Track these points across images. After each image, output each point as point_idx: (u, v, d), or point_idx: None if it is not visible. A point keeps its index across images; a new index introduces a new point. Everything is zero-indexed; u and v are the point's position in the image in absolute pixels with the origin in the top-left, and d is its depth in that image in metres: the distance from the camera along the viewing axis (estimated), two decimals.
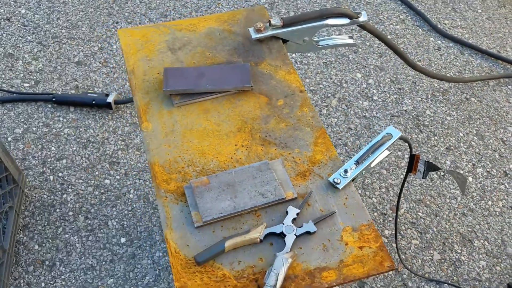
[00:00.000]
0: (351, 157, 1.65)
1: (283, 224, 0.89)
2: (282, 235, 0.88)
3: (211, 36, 1.24)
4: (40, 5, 2.22)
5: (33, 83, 1.92)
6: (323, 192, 0.95)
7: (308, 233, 0.89)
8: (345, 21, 1.26)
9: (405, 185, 1.64)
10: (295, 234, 0.88)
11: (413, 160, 1.14)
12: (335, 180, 0.95)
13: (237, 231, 0.90)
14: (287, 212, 0.91)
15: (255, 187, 0.94)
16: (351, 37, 1.37)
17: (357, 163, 0.98)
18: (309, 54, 2.08)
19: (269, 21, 1.22)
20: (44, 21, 2.15)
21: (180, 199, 0.94)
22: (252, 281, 0.85)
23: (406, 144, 1.74)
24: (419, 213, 1.57)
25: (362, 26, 1.33)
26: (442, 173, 1.66)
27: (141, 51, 1.20)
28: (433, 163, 1.12)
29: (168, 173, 0.98)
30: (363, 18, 1.27)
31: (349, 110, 1.87)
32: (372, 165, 1.02)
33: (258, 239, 0.87)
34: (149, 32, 1.24)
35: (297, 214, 0.91)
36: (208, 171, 0.98)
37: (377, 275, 1.02)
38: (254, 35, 1.21)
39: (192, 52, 1.20)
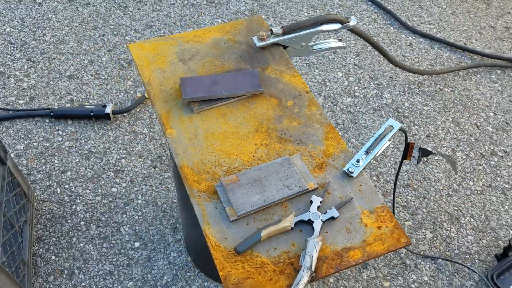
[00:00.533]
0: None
1: (310, 212, 1.00)
2: (310, 222, 0.99)
3: (217, 46, 1.33)
4: (24, 22, 2.23)
5: (27, 99, 1.94)
6: (340, 181, 1.06)
7: (332, 218, 1.00)
8: (337, 26, 1.38)
9: (394, 171, 1.78)
10: (321, 220, 0.98)
11: (408, 148, 1.27)
12: (349, 169, 1.07)
13: (268, 221, 1.00)
14: (311, 201, 1.01)
15: (280, 180, 1.04)
16: (340, 40, 1.49)
17: (367, 153, 1.09)
18: (292, 58, 2.19)
19: (271, 30, 1.32)
20: (31, 38, 2.17)
21: (213, 197, 1.03)
22: (288, 265, 0.94)
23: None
24: (408, 197, 1.71)
25: (352, 30, 1.45)
26: (426, 159, 1.81)
27: (154, 64, 1.27)
28: (426, 148, 1.25)
29: (198, 174, 1.06)
30: (352, 22, 1.39)
31: (335, 106, 1.99)
32: (378, 154, 1.14)
33: (290, 227, 0.97)
34: (159, 45, 1.31)
35: (320, 202, 1.01)
36: (234, 170, 1.07)
37: (396, 250, 1.14)
38: (258, 43, 1.31)
39: (202, 62, 1.28)
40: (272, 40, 1.33)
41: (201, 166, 1.07)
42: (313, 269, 0.91)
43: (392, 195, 1.72)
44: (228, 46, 1.34)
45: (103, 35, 2.22)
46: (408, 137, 1.89)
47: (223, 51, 1.32)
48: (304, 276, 0.89)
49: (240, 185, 1.03)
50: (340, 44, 1.49)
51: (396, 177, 1.32)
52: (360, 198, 1.04)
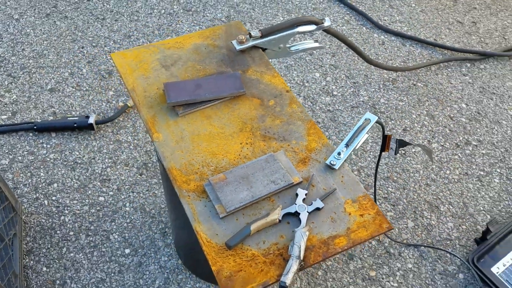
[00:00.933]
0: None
1: (296, 204, 1.04)
2: (296, 214, 1.03)
3: (198, 51, 1.36)
4: (2, 38, 2.23)
5: (10, 114, 1.94)
6: (323, 174, 1.11)
7: (317, 209, 1.04)
8: (313, 27, 1.43)
9: (374, 165, 1.83)
10: (307, 211, 1.03)
11: (385, 140, 1.32)
12: (331, 162, 1.11)
13: (257, 216, 1.03)
14: (297, 194, 1.05)
15: (266, 176, 1.08)
16: (316, 41, 1.54)
17: (347, 145, 1.14)
18: (271, 60, 2.24)
19: (250, 33, 1.36)
20: (10, 53, 2.17)
21: (202, 196, 1.06)
22: (278, 256, 0.98)
23: (371, 131, 1.94)
24: (389, 189, 1.77)
25: (327, 31, 1.51)
26: (403, 151, 1.87)
27: (136, 71, 1.30)
28: (403, 139, 1.31)
29: (186, 175, 1.09)
30: (327, 23, 1.45)
31: (315, 106, 2.05)
32: (357, 147, 1.19)
33: (277, 219, 1.01)
34: (141, 53, 1.34)
35: (306, 194, 1.05)
36: (221, 169, 1.11)
37: (379, 236, 1.18)
38: (238, 47, 1.35)
39: (184, 67, 1.32)
40: (251, 43, 1.38)
41: (189, 167, 1.11)
42: (301, 258, 0.95)
43: (373, 188, 1.77)
44: (209, 51, 1.38)
45: (82, 47, 2.23)
46: (385, 131, 1.95)
47: (204, 56, 1.36)
48: (293, 265, 0.93)
49: (228, 183, 1.06)
50: (317, 44, 1.54)
51: (376, 168, 1.37)
52: (343, 189, 1.08)
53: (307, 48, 1.53)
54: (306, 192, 1.06)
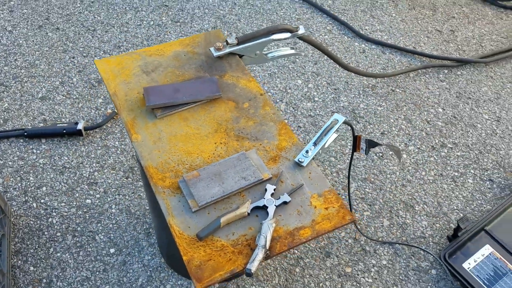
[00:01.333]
0: None
1: (264, 198, 1.10)
2: (264, 207, 1.09)
3: (178, 58, 1.44)
4: None
5: (1, 122, 2.00)
6: (292, 171, 1.17)
7: (284, 203, 1.10)
8: (287, 35, 1.51)
9: (352, 167, 1.90)
10: (275, 205, 1.09)
11: (356, 140, 1.39)
12: (300, 159, 1.18)
13: (228, 210, 1.09)
14: (266, 190, 1.12)
15: (237, 173, 1.14)
16: (292, 48, 1.62)
17: (315, 144, 1.21)
18: (254, 68, 2.32)
19: (226, 41, 1.44)
20: (2, 64, 2.24)
21: (176, 192, 1.12)
22: (246, 246, 1.04)
23: (349, 135, 2.01)
24: (366, 189, 1.83)
25: (301, 38, 1.58)
26: (380, 153, 1.94)
27: (119, 77, 1.37)
28: (372, 140, 1.37)
29: (162, 173, 1.16)
30: (301, 31, 1.53)
31: (296, 111, 2.12)
32: (326, 145, 1.25)
33: (246, 212, 1.07)
34: (123, 60, 1.42)
35: (274, 189, 1.12)
36: (196, 167, 1.17)
37: (342, 227, 1.24)
38: (215, 53, 1.43)
39: (164, 73, 1.39)
40: (228, 50, 1.45)
41: (165, 166, 1.17)
42: (267, 247, 1.01)
43: (350, 188, 1.84)
44: (188, 57, 1.45)
45: (73, 57, 2.31)
46: (364, 134, 2.02)
47: (183, 62, 1.43)
48: (259, 254, 0.99)
49: (201, 179, 1.13)
50: (292, 51, 1.62)
51: (349, 167, 1.43)
52: (310, 184, 1.15)
53: (283, 54, 1.60)
54: (275, 187, 1.12)
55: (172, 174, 1.15)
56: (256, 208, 1.09)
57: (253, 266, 0.98)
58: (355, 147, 1.41)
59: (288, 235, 1.06)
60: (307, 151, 1.19)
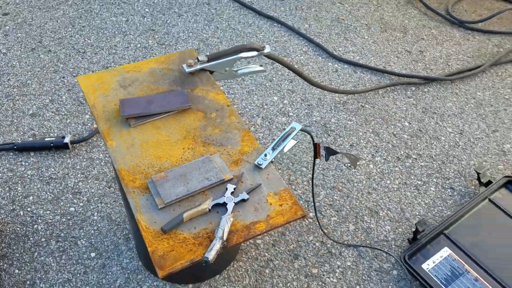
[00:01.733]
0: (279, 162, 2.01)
1: (224, 196, 1.20)
2: (224, 204, 1.19)
3: (153, 74, 1.56)
4: None
5: None
6: (252, 172, 1.28)
7: (243, 200, 1.20)
8: (254, 53, 1.64)
9: (322, 176, 2.00)
10: (233, 202, 1.19)
11: (316, 148, 1.50)
12: (259, 162, 1.28)
13: (191, 206, 1.19)
14: (226, 189, 1.22)
15: (201, 174, 1.24)
16: (261, 65, 1.75)
17: (273, 149, 1.32)
18: (234, 86, 2.45)
19: (197, 58, 1.56)
20: None
21: (145, 192, 1.22)
22: (206, 238, 1.13)
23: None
24: (334, 197, 1.93)
25: (268, 56, 1.71)
26: (349, 164, 2.05)
27: (98, 90, 1.49)
28: (330, 147, 1.48)
29: (133, 175, 1.26)
30: (267, 50, 1.65)
31: (272, 125, 2.24)
32: (285, 150, 1.36)
33: (207, 209, 1.17)
34: (103, 76, 1.53)
35: (234, 189, 1.22)
36: (164, 169, 1.27)
37: (294, 221, 1.33)
38: (187, 69, 1.55)
39: (140, 87, 1.51)
40: (199, 66, 1.57)
41: (136, 168, 1.28)
42: (224, 239, 1.10)
43: (320, 196, 1.94)
44: (163, 73, 1.57)
45: (63, 77, 2.43)
46: (334, 146, 2.13)
47: (158, 78, 1.55)
48: (216, 244, 1.09)
49: (167, 180, 1.23)
50: (261, 68, 1.74)
51: (312, 174, 1.54)
52: (268, 184, 1.25)
53: (252, 71, 1.73)
54: (235, 186, 1.22)
55: (142, 176, 1.26)
56: (217, 205, 1.19)
57: (210, 255, 1.07)
58: (316, 154, 1.52)
59: (244, 229, 1.15)
60: (265, 155, 1.29)
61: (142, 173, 1.26)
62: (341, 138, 2.18)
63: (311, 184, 1.98)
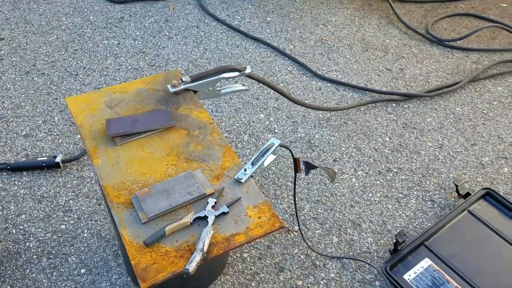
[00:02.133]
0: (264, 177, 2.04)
1: (206, 210, 1.23)
2: (205, 218, 1.22)
3: (139, 94, 1.60)
4: None
5: None
6: (232, 187, 1.31)
7: (223, 213, 1.23)
8: (236, 74, 1.68)
9: (306, 190, 2.03)
10: (214, 215, 1.22)
11: (295, 163, 1.54)
12: (239, 177, 1.32)
13: (173, 220, 1.22)
14: (207, 203, 1.25)
15: (183, 189, 1.27)
16: (244, 85, 1.79)
17: (253, 164, 1.35)
18: (221, 104, 2.49)
19: (181, 79, 1.61)
20: None
21: (129, 207, 1.25)
22: (187, 251, 1.16)
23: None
24: (318, 210, 1.96)
25: (249, 76, 1.76)
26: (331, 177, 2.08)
27: (86, 111, 1.53)
28: (309, 162, 1.52)
29: (118, 191, 1.29)
30: (248, 70, 1.70)
31: (258, 142, 2.27)
32: (265, 165, 1.40)
33: (189, 222, 1.20)
34: (91, 97, 1.57)
35: (215, 202, 1.25)
36: (148, 185, 1.30)
37: (272, 232, 1.35)
38: (172, 90, 1.59)
39: (126, 107, 1.55)
40: (182, 86, 1.62)
41: (121, 185, 1.30)
42: (205, 251, 1.13)
43: (304, 209, 1.97)
44: (149, 93, 1.61)
45: (56, 99, 2.47)
46: (316, 163, 2.17)
47: (144, 98, 1.59)
48: (197, 256, 1.11)
49: (151, 195, 1.26)
50: (244, 87, 1.79)
51: (294, 187, 1.57)
52: (247, 197, 1.28)
53: (235, 90, 1.77)
54: (216, 200, 1.25)
55: (127, 192, 1.29)
56: (198, 218, 1.22)
57: (191, 267, 1.10)
58: (296, 169, 1.56)
59: (224, 241, 1.18)
60: (245, 170, 1.33)
61: (126, 189, 1.29)
62: (324, 153, 2.22)
63: (297, 198, 2.01)
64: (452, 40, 3.03)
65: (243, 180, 1.31)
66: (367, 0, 3.45)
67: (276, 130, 2.34)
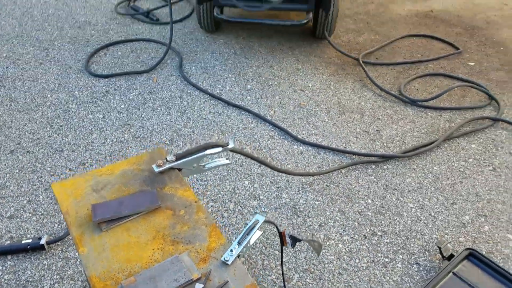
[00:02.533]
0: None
1: None
2: None
3: (125, 175, 1.61)
4: None
5: None
6: (219, 269, 1.30)
7: None
8: (219, 149, 1.72)
9: (294, 259, 2.02)
10: None
11: (281, 236, 1.54)
12: (225, 258, 1.31)
13: None
14: None
15: (170, 276, 1.25)
16: (227, 158, 1.82)
17: (239, 243, 1.35)
18: (206, 173, 2.50)
19: (166, 158, 1.63)
20: None
21: None
22: None
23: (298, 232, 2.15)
24: (307, 280, 1.94)
25: (232, 150, 1.79)
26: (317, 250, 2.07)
27: (71, 196, 1.52)
28: (294, 235, 1.52)
29: (104, 281, 1.26)
30: (231, 145, 1.74)
31: (244, 210, 2.27)
32: (251, 242, 1.40)
33: None
34: (77, 181, 1.58)
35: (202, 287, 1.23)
36: (134, 273, 1.28)
37: None
38: (157, 169, 1.61)
39: (112, 189, 1.55)
40: (167, 165, 1.63)
41: (107, 274, 1.28)
42: None
43: (293, 280, 1.94)
44: (134, 174, 1.62)
45: (41, 177, 2.46)
46: (302, 229, 2.17)
47: (129, 179, 1.60)
48: None
49: (137, 285, 1.23)
50: (227, 161, 1.82)
51: (281, 259, 1.56)
52: (235, 280, 1.27)
53: (218, 165, 1.79)
54: (203, 285, 1.23)
55: (113, 281, 1.26)
56: None
57: None
58: (282, 242, 1.56)
59: None
60: (231, 250, 1.32)
61: (112, 279, 1.26)
62: (310, 219, 2.22)
63: (285, 267, 1.99)
64: (425, 100, 3.15)
65: (229, 262, 1.30)
66: (341, 65, 3.60)
67: (261, 197, 2.35)
